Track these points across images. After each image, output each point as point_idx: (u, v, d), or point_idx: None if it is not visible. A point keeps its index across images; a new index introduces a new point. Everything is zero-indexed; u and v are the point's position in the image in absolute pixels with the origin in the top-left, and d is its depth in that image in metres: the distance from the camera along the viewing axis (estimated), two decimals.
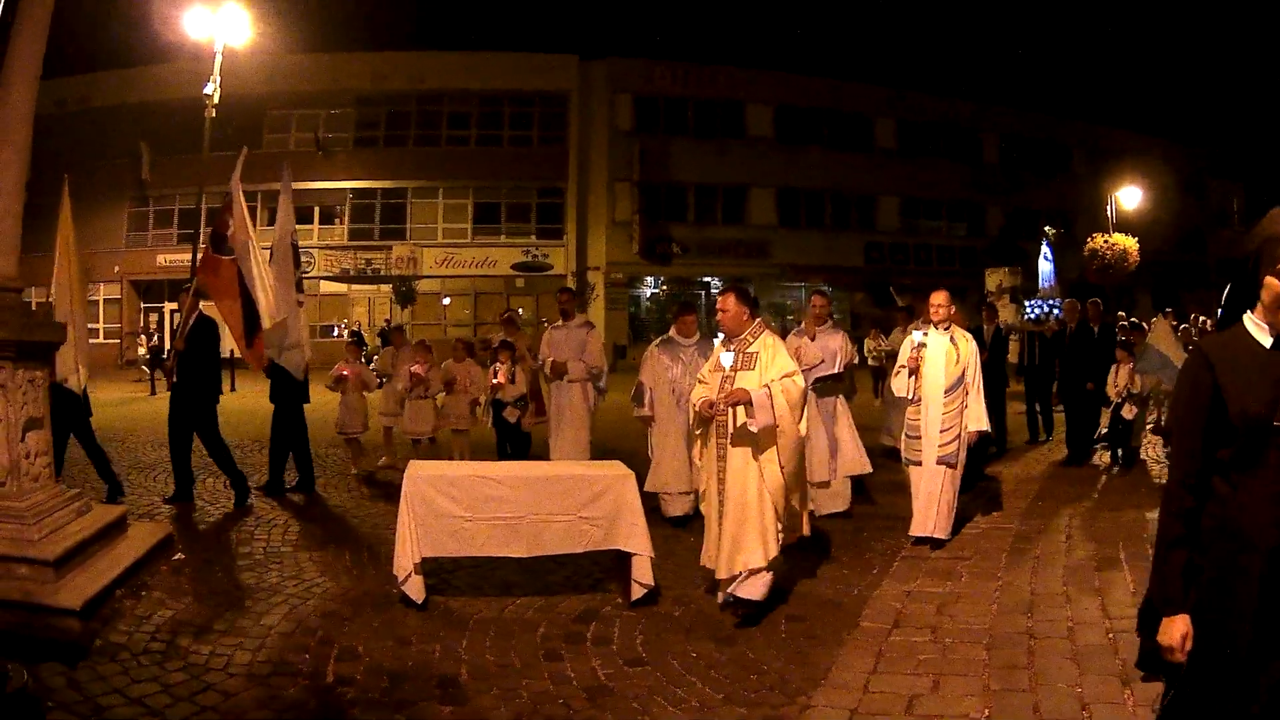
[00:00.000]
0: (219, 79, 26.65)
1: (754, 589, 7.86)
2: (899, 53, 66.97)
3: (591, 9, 64.91)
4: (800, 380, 8.08)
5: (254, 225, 12.70)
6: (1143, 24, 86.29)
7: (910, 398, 10.46)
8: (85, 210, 21.48)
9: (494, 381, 14.77)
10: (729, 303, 8.40)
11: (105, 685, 6.24)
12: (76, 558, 7.85)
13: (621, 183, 50.81)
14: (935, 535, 10.09)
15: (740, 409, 7.82)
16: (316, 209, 49.44)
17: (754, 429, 7.81)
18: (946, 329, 10.35)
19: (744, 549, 7.80)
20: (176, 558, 9.64)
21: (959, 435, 10.21)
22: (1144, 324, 19.90)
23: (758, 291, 27.54)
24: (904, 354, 11.10)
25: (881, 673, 6.86)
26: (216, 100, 26.59)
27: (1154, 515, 10.72)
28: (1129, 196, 47.91)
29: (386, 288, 49.16)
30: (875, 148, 55.83)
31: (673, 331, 12.01)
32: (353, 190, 49.75)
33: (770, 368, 8.02)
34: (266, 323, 11.81)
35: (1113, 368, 15.69)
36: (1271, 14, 69.91)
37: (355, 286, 50.24)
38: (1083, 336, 16.42)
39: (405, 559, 8.22)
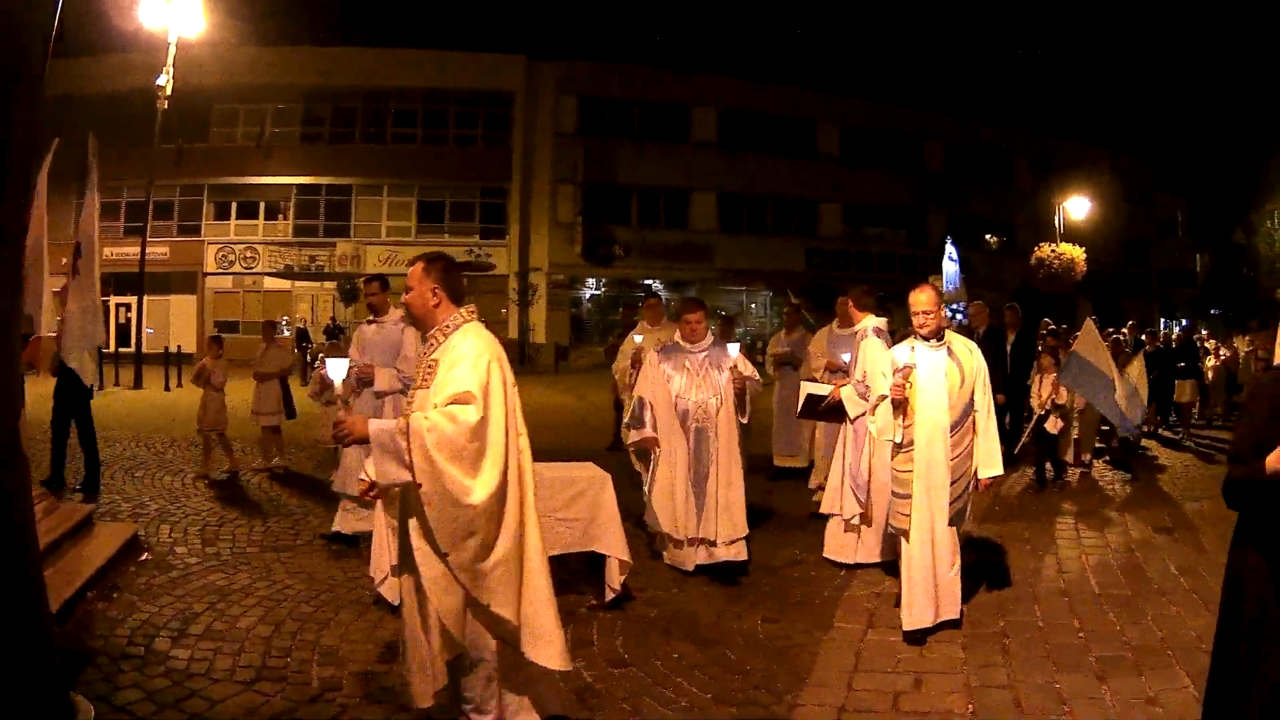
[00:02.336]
0: (172, 71, 26.33)
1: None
2: (844, 60, 67.50)
3: (540, 10, 65.05)
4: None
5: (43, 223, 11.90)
6: (1091, 36, 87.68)
7: (897, 440, 7.94)
8: None
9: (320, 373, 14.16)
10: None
11: (89, 691, 6.09)
12: (49, 558, 7.69)
13: (565, 184, 51.17)
14: (946, 617, 7.80)
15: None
16: (262, 204, 49.78)
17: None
18: (941, 340, 7.95)
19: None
20: (144, 558, 9.56)
21: (969, 485, 7.93)
22: (1072, 337, 20.09)
23: (698, 294, 27.82)
24: (876, 378, 9.21)
25: (862, 671, 6.99)
26: (169, 92, 26.29)
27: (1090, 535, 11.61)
28: (1077, 207, 48.96)
29: (330, 285, 48.92)
30: (819, 154, 56.41)
31: (676, 335, 10.17)
32: (298, 186, 49.71)
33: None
34: (40, 329, 11.00)
35: (1035, 378, 15.37)
36: (1216, 30, 71.36)
37: (299, 283, 49.97)
38: (994, 344, 15.09)
39: (382, 560, 8.05)
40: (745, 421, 9.82)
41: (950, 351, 7.87)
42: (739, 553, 9.44)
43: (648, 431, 9.59)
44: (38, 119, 3.17)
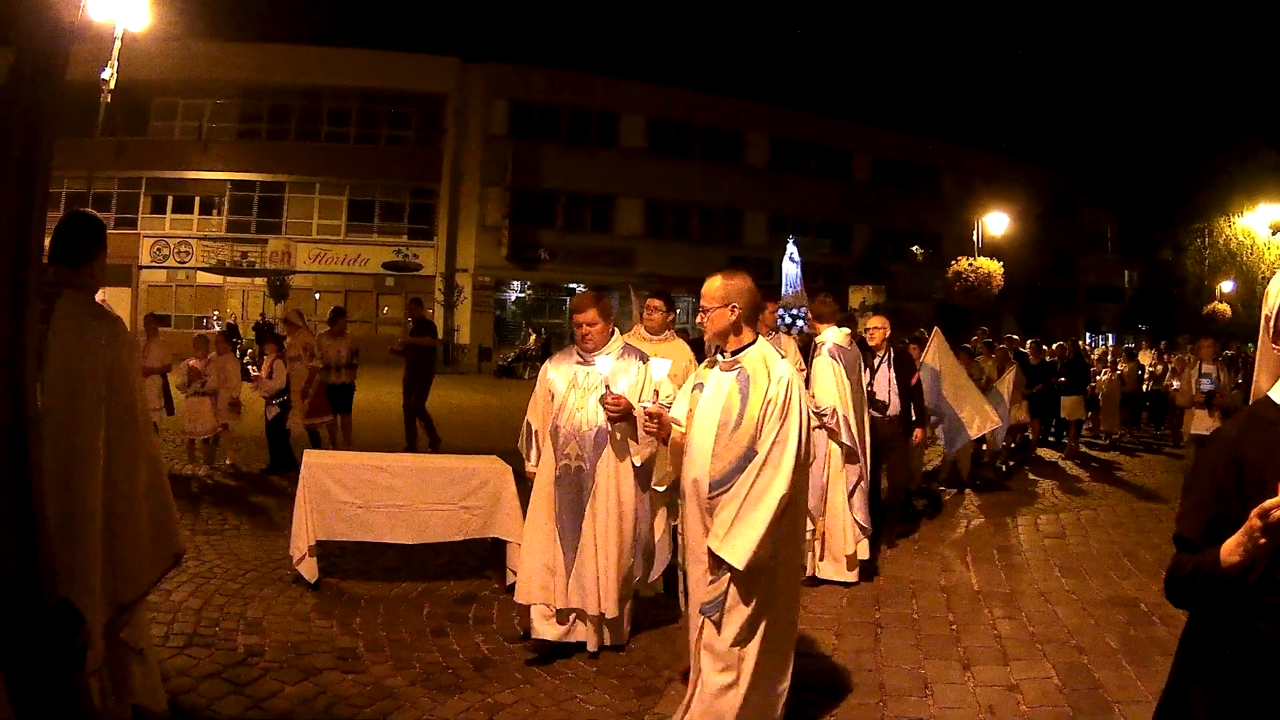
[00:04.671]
0: (116, 64, 28.79)
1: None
2: (773, 71, 69.45)
3: (474, 13, 66.39)
4: None
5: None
6: (1021, 52, 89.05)
7: (660, 490, 6.68)
8: None
9: (255, 374, 15.20)
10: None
11: None
12: None
13: (493, 187, 52.85)
14: None
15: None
16: (197, 199, 50.95)
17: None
18: (736, 358, 5.89)
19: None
20: None
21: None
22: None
23: (622, 300, 28.09)
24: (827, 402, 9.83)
25: None
26: (113, 85, 28.80)
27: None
28: (996, 222, 49.73)
29: (261, 281, 50.06)
30: (745, 163, 58.68)
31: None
32: (233, 182, 50.97)
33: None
34: None
35: None
36: (1146, 47, 74.20)
37: (230, 278, 51.06)
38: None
39: (301, 541, 8.97)
40: (638, 464, 7.39)
41: (744, 374, 5.77)
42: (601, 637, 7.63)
43: (530, 466, 8.02)
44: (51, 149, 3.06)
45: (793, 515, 5.74)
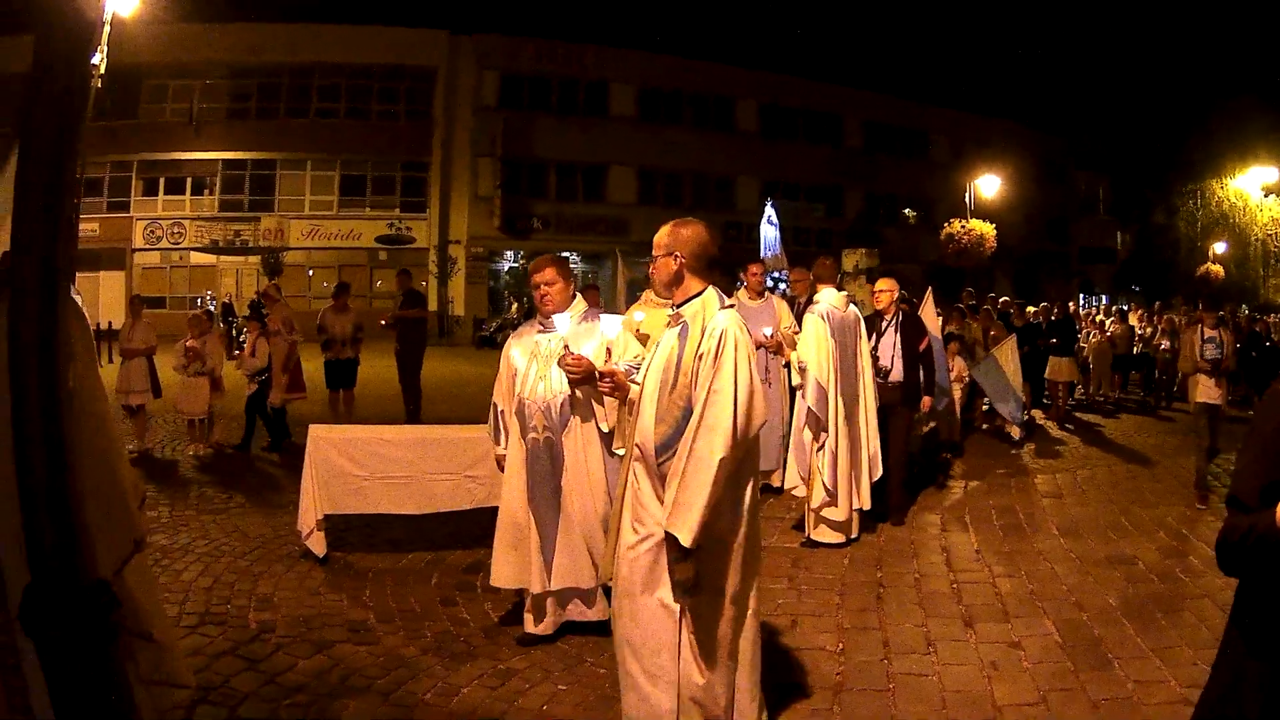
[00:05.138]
0: (106, 49, 29.28)
1: None
2: (763, 36, 69.10)
3: None
4: None
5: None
6: (1013, 13, 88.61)
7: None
8: None
9: (237, 352, 15.00)
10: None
11: None
12: None
13: (485, 158, 52.81)
14: None
15: None
16: (189, 180, 50.97)
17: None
18: (679, 312, 5.55)
19: None
20: None
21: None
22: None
23: (614, 268, 25.57)
24: (809, 363, 9.88)
25: None
26: (103, 70, 29.26)
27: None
28: (988, 184, 49.08)
29: (255, 259, 50.12)
30: (737, 129, 58.54)
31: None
32: (224, 161, 50.93)
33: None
34: None
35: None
36: (1139, 8, 73.92)
37: (224, 258, 51.13)
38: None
39: (309, 515, 9.12)
40: (605, 429, 7.02)
41: (684, 328, 5.44)
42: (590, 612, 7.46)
43: (499, 448, 7.72)
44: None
45: (738, 481, 5.27)
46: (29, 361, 2.97)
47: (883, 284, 11.70)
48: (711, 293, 5.49)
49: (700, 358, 5.18)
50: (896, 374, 11.35)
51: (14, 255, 2.98)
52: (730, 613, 5.30)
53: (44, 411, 2.99)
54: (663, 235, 5.57)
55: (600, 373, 6.18)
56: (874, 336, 11.26)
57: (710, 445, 5.01)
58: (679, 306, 5.51)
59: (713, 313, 5.35)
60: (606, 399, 6.69)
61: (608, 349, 7.02)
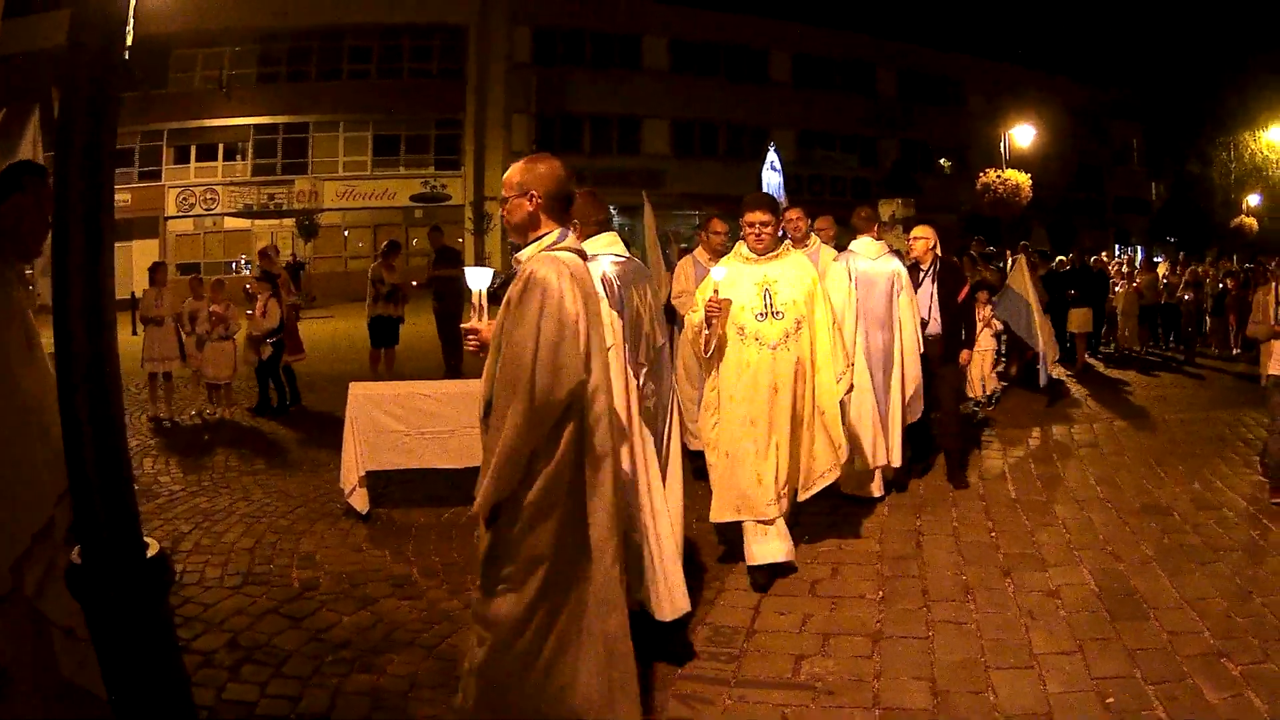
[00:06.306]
0: (133, 20, 29.10)
1: None
2: None
3: None
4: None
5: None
6: None
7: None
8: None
9: (248, 314, 15.26)
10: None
11: None
12: None
13: (519, 114, 53.06)
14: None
15: None
16: (221, 146, 51.21)
17: None
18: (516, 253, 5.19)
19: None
20: None
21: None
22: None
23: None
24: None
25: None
26: (130, 42, 29.10)
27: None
28: (1023, 134, 46.82)
29: (289, 222, 50.51)
30: (770, 80, 58.24)
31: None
32: (256, 126, 51.00)
33: None
34: None
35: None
36: None
37: (258, 221, 51.17)
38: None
39: (351, 473, 9.17)
40: None
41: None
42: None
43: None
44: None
45: (555, 448, 4.64)
46: (75, 330, 3.03)
47: (919, 231, 11.25)
48: (552, 235, 4.91)
49: (507, 304, 4.65)
50: (934, 326, 10.90)
51: (56, 225, 3.04)
52: (521, 604, 4.64)
53: (92, 382, 3.05)
54: (514, 173, 4.98)
55: (465, 329, 5.33)
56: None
57: (507, 404, 4.48)
58: (518, 252, 5.00)
59: (537, 256, 4.76)
60: None
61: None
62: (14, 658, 4.21)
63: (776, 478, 7.36)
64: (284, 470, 11.79)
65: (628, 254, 6.13)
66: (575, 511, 4.69)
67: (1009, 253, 23.34)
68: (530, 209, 4.88)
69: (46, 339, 3.38)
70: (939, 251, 11.27)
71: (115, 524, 3.09)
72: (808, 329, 7.45)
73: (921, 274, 11.06)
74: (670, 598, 5.86)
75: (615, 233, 6.25)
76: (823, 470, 7.58)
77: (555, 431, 4.59)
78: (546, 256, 4.72)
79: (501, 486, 4.52)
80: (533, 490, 4.58)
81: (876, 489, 9.83)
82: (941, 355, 10.90)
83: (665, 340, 6.34)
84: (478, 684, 4.72)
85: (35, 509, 4.25)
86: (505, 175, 5.01)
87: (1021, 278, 15.40)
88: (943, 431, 11.15)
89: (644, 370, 5.96)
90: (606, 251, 6.02)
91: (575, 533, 4.69)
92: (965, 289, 11.42)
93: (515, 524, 4.63)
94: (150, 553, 3.17)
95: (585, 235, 5.89)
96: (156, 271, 16.39)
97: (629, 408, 5.71)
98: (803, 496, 7.75)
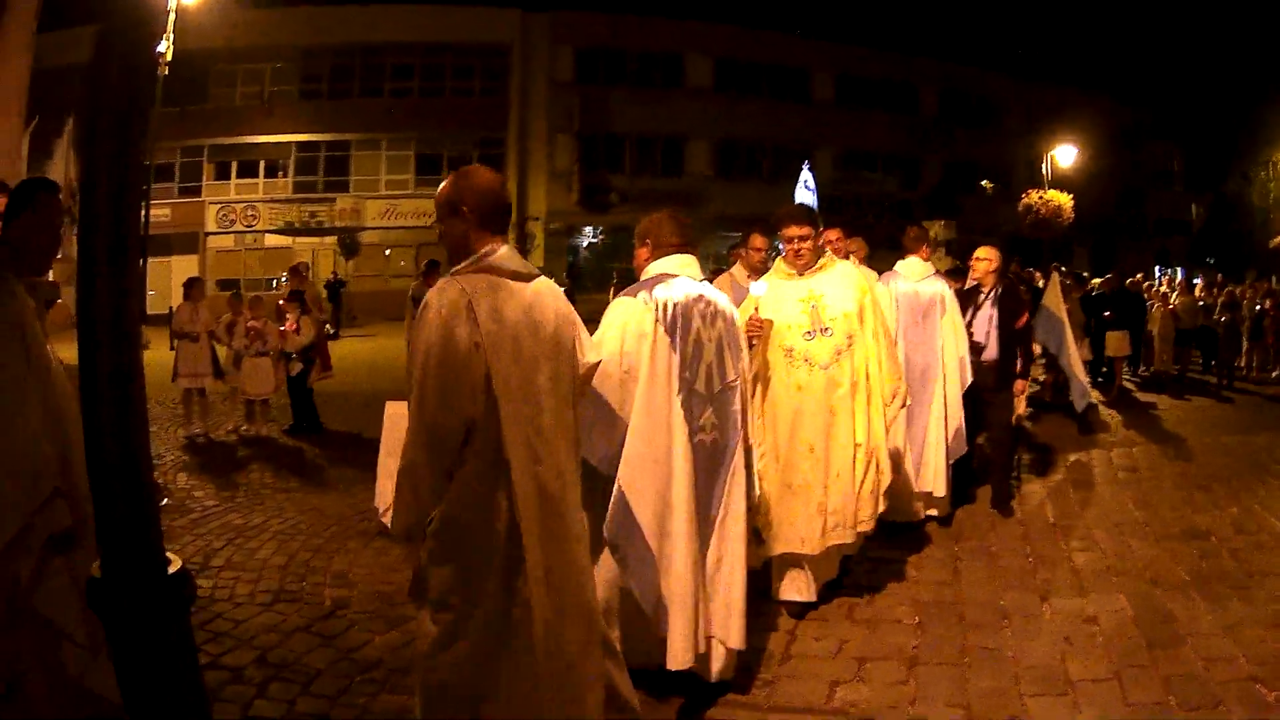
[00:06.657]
0: (172, 36, 28.62)
1: None
2: (837, 6, 69.03)
3: None
4: None
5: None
6: None
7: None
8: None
9: (280, 329, 15.23)
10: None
11: None
12: None
13: (561, 134, 53.19)
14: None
15: None
16: (262, 163, 51.48)
17: None
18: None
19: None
20: (164, 503, 10.53)
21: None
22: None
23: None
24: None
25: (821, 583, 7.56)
26: (169, 58, 28.60)
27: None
28: (1064, 154, 49.06)
29: (331, 240, 50.72)
30: (813, 100, 58.17)
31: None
32: (297, 143, 51.35)
33: None
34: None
35: None
36: None
37: (299, 239, 51.12)
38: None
39: (385, 492, 8.32)
40: None
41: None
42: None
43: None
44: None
45: (445, 472, 4.47)
46: (100, 340, 3.02)
47: (982, 253, 10.74)
48: (479, 253, 4.43)
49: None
50: (991, 352, 10.43)
51: (82, 235, 3.04)
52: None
53: (116, 395, 3.04)
54: (440, 192, 4.52)
55: None
56: (970, 310, 10.50)
57: (407, 443, 4.49)
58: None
59: (447, 281, 4.38)
60: None
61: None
62: (24, 658, 4.26)
63: (841, 508, 7.14)
64: (318, 488, 11.82)
65: (703, 279, 5.92)
66: (488, 557, 4.41)
67: (1038, 274, 22.90)
68: (463, 227, 4.43)
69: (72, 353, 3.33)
70: (1000, 274, 10.85)
71: (136, 538, 3.06)
72: (860, 345, 7.18)
73: (982, 297, 10.65)
74: (671, 648, 5.50)
75: (694, 257, 5.93)
76: (864, 518, 7.31)
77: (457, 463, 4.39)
78: (447, 280, 4.36)
79: (400, 509, 4.53)
80: (432, 524, 4.47)
81: (916, 513, 9.68)
82: (996, 383, 10.46)
83: (738, 375, 5.91)
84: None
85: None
86: (436, 196, 4.56)
87: (1055, 296, 14.73)
88: (995, 451, 10.85)
89: (704, 402, 5.67)
90: (680, 273, 5.76)
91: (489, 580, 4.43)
92: (1025, 315, 10.93)
93: (424, 555, 4.56)
94: (172, 568, 3.13)
95: (659, 257, 5.83)
96: (192, 287, 16.25)
97: (670, 442, 5.47)
98: (849, 539, 7.38)
